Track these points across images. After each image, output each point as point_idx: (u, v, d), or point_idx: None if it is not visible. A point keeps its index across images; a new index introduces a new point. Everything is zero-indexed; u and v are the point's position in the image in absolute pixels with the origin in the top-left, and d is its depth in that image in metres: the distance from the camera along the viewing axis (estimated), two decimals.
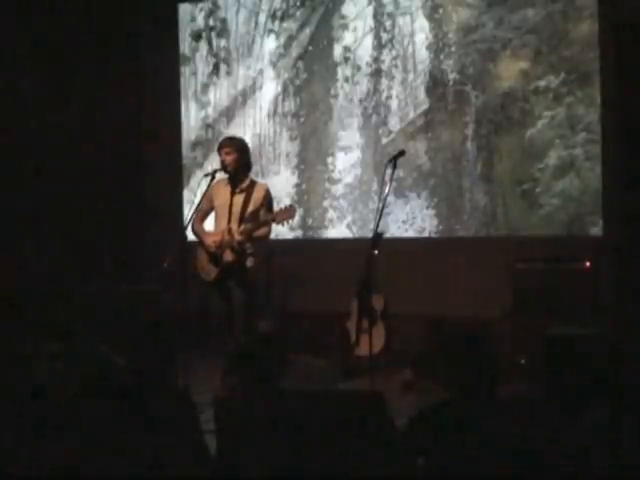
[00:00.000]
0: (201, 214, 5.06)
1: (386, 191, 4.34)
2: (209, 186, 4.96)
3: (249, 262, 4.94)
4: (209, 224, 5.15)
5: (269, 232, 5.00)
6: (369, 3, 6.55)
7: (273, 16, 6.99)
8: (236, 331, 4.81)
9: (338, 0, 6.68)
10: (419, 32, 6.34)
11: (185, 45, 7.43)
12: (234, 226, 4.87)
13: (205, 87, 7.36)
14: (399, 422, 2.60)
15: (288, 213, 4.83)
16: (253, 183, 5.01)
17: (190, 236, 4.93)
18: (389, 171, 4.38)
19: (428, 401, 2.64)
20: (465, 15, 6.16)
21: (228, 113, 7.26)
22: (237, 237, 4.82)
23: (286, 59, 6.95)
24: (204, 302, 5.05)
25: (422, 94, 6.35)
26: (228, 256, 4.88)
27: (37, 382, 3.15)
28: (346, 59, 6.66)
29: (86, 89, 6.94)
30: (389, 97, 6.50)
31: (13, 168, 6.54)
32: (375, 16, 6.52)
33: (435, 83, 6.28)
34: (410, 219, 6.39)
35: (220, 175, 4.94)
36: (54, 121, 6.74)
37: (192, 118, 7.43)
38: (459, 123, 6.20)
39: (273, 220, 4.84)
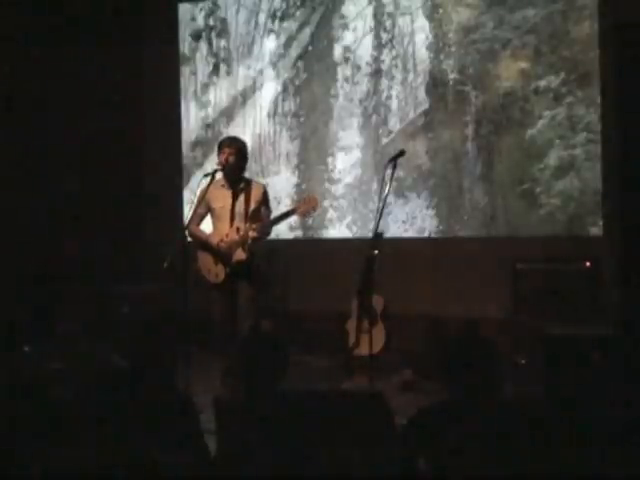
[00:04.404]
0: (197, 218, 5.01)
1: (386, 191, 4.33)
2: (205, 190, 4.91)
3: (258, 261, 4.94)
4: (206, 227, 5.13)
5: (271, 230, 5.00)
6: (369, 3, 6.55)
7: (273, 16, 6.99)
8: (241, 331, 4.79)
9: (338, 0, 6.68)
10: (419, 32, 6.34)
11: (185, 45, 7.43)
12: (240, 226, 4.86)
13: (205, 87, 7.36)
14: (399, 422, 2.61)
15: (310, 204, 4.81)
16: (249, 182, 5.01)
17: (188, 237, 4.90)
18: (389, 171, 4.38)
19: (428, 401, 2.64)
20: (465, 15, 6.15)
21: (228, 113, 7.26)
22: (252, 234, 4.80)
23: (286, 59, 6.95)
24: (206, 302, 5.03)
25: (422, 94, 6.35)
26: (240, 255, 4.85)
27: (37, 382, 3.15)
28: (346, 59, 6.66)
29: (86, 89, 6.94)
30: (389, 97, 6.49)
31: (12, 168, 6.54)
32: (375, 16, 6.52)
33: (435, 83, 6.28)
34: (410, 219, 6.39)
35: (217, 175, 4.92)
36: (53, 121, 6.74)
37: (192, 118, 7.43)
38: (459, 123, 6.20)
39: (294, 212, 4.83)
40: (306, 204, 4.83)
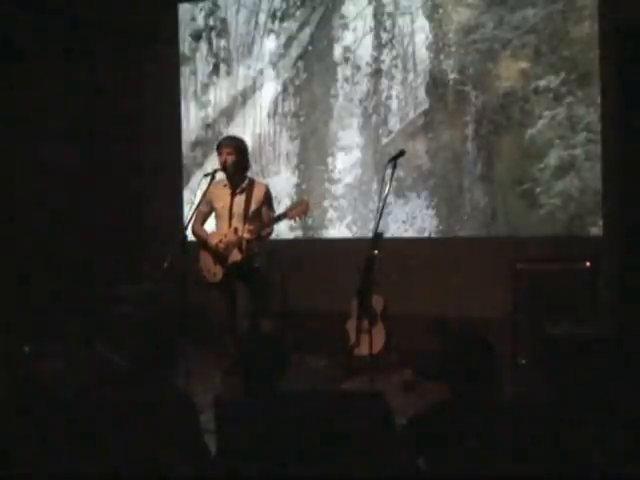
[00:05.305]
0: (200, 217, 5.03)
1: (386, 191, 4.33)
2: (207, 189, 4.92)
3: (256, 262, 4.93)
4: (209, 227, 5.14)
5: (272, 231, 5.00)
6: (369, 3, 6.55)
7: (273, 16, 6.99)
8: (238, 331, 4.80)
9: (338, 0, 6.68)
10: (419, 32, 6.34)
11: (185, 45, 7.43)
12: (239, 226, 4.86)
13: (205, 87, 7.36)
14: (399, 422, 2.61)
15: (301, 208, 4.81)
16: (252, 182, 5.01)
17: (190, 237, 4.90)
18: (389, 171, 4.37)
19: (428, 401, 2.64)
20: (465, 15, 6.15)
21: (228, 113, 7.26)
22: (246, 236, 4.80)
23: (286, 59, 6.95)
24: (206, 302, 5.03)
25: (422, 94, 6.35)
26: (236, 256, 4.86)
27: (37, 382, 3.15)
28: (346, 59, 6.67)
29: (86, 89, 6.94)
30: (389, 97, 6.50)
31: (12, 169, 6.54)
32: (375, 16, 6.52)
33: (435, 83, 6.28)
34: (410, 219, 6.39)
35: (220, 175, 4.93)
36: (53, 121, 6.74)
37: (192, 118, 7.43)
38: (459, 123, 6.20)
39: (286, 216, 4.83)
40: (297, 207, 4.82)
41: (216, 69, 7.29)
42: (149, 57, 7.41)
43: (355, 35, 6.61)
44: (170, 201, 7.35)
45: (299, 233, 6.86)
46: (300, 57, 6.88)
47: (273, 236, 5.11)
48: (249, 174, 5.09)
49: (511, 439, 2.39)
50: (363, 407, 2.65)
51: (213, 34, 7.29)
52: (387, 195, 4.35)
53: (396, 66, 6.45)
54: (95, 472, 2.59)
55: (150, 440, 2.60)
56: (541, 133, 5.86)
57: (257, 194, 4.94)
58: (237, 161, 4.91)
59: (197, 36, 7.36)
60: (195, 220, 4.95)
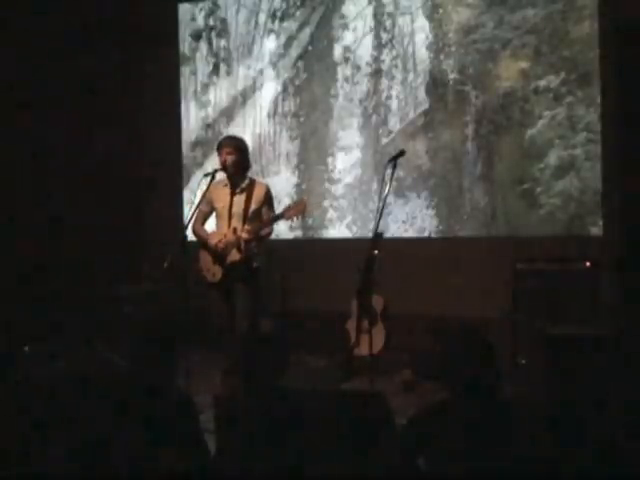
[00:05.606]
0: (201, 216, 5.03)
1: (386, 191, 4.33)
2: (207, 188, 4.92)
3: (255, 262, 4.92)
4: (210, 226, 5.14)
5: (272, 231, 4.99)
6: (369, 3, 6.55)
7: (273, 16, 6.99)
8: (238, 331, 4.80)
9: (338, 0, 6.69)
10: (419, 32, 6.34)
11: (185, 45, 7.44)
12: (238, 226, 4.85)
13: (205, 87, 7.37)
14: (399, 422, 2.61)
15: (298, 208, 4.80)
16: (253, 182, 5.00)
17: (190, 236, 4.90)
18: (389, 171, 4.37)
19: (428, 401, 2.64)
20: (465, 15, 6.16)
21: (228, 113, 7.26)
22: (244, 236, 4.80)
23: (286, 59, 6.95)
24: (206, 302, 5.03)
25: (422, 94, 6.35)
26: (234, 256, 4.85)
27: (37, 382, 3.15)
28: (346, 59, 6.67)
29: (86, 89, 6.94)
30: (389, 97, 6.50)
31: (13, 169, 6.54)
32: (375, 16, 6.52)
33: (435, 83, 6.28)
34: (410, 219, 6.39)
35: (220, 175, 4.93)
36: (54, 122, 6.74)
37: (192, 118, 7.43)
38: (459, 123, 6.20)
39: (283, 216, 4.82)
40: (295, 208, 4.81)
41: (216, 69, 7.29)
42: (149, 57, 7.42)
43: (355, 35, 6.62)
44: (170, 201, 7.35)
45: (299, 233, 6.86)
46: (300, 57, 6.88)
47: (273, 236, 5.10)
48: (249, 174, 5.08)
49: (511, 439, 2.39)
50: (363, 407, 2.65)
51: (213, 34, 7.29)
52: (387, 195, 4.35)
53: (396, 66, 6.45)
54: (95, 472, 2.59)
55: (150, 440, 2.60)
56: (541, 133, 5.86)
57: (257, 194, 4.93)
58: (237, 161, 4.91)
59: (197, 36, 7.36)
60: (195, 220, 4.95)
